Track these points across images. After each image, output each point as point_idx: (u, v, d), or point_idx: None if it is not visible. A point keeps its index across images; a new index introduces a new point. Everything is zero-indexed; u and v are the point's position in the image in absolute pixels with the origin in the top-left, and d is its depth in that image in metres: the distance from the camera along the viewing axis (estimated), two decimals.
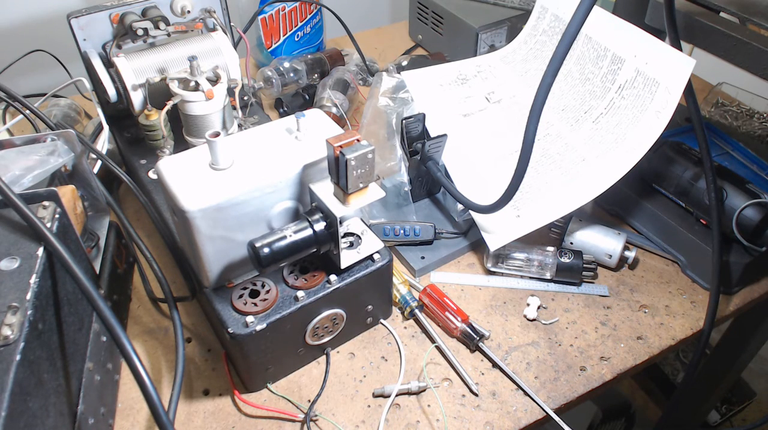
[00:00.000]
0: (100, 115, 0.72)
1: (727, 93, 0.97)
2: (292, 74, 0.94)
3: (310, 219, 0.52)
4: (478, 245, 0.73)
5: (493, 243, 0.67)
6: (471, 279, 0.70)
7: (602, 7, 0.74)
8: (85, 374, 0.50)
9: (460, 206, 0.73)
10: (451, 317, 0.63)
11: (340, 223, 0.52)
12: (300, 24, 1.04)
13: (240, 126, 0.72)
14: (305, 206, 0.55)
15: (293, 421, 0.56)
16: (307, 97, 0.93)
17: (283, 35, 1.04)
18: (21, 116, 0.69)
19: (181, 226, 0.51)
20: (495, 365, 0.61)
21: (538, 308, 0.66)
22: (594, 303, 0.67)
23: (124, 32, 0.70)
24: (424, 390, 0.59)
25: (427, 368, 0.60)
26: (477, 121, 0.79)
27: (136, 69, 0.67)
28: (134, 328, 0.65)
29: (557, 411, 0.57)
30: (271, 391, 0.58)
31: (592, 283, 0.70)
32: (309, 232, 0.52)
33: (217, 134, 0.49)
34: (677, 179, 0.70)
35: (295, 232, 0.51)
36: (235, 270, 0.56)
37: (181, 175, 0.51)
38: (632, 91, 0.69)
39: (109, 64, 0.69)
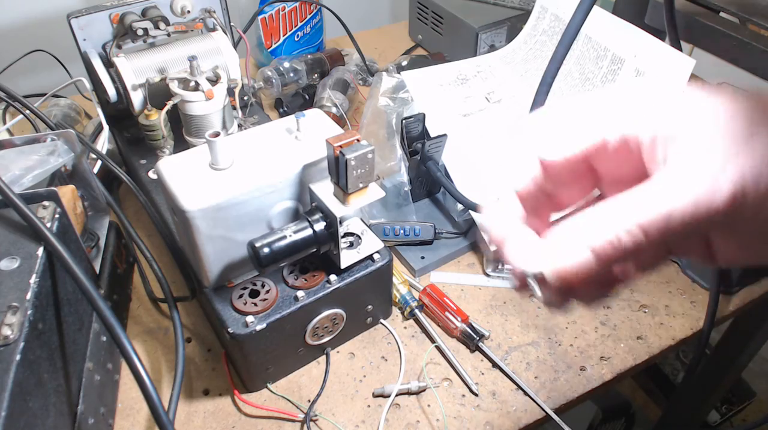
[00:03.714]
0: (100, 115, 0.72)
1: None
2: (292, 74, 0.94)
3: (310, 219, 0.52)
4: (478, 245, 0.73)
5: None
6: (471, 279, 0.70)
7: (602, 7, 0.74)
8: (85, 374, 0.50)
9: (460, 206, 0.73)
10: (451, 317, 0.63)
11: (340, 223, 0.52)
12: (300, 24, 1.04)
13: (240, 126, 0.72)
14: (305, 206, 0.55)
15: (293, 421, 0.56)
16: (307, 97, 0.93)
17: (283, 35, 1.04)
18: (21, 116, 0.69)
19: (181, 226, 0.51)
20: (495, 365, 0.61)
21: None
22: None
23: (124, 32, 0.70)
24: (424, 390, 0.59)
25: (427, 368, 0.60)
26: (477, 121, 0.79)
27: (136, 69, 0.67)
28: (134, 328, 0.65)
29: (557, 411, 0.57)
30: (271, 391, 0.58)
31: None
32: (309, 232, 0.52)
33: (217, 134, 0.49)
34: None
35: (295, 232, 0.51)
36: (235, 270, 0.56)
37: (181, 175, 0.51)
38: None
39: (109, 64, 0.69)
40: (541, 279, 0.26)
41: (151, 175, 0.69)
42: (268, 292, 0.55)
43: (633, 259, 0.25)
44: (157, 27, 0.70)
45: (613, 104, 0.27)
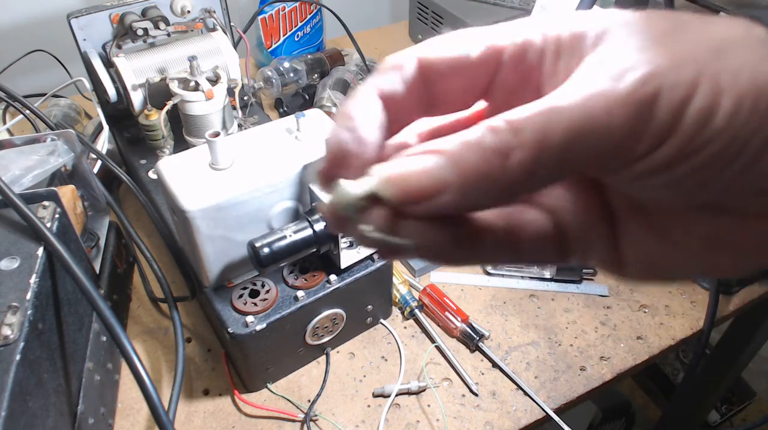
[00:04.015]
0: (100, 115, 0.72)
1: None
2: (292, 74, 0.95)
3: (310, 219, 0.52)
4: None
5: None
6: (471, 279, 0.70)
7: (602, 7, 0.74)
8: (85, 374, 0.50)
9: None
10: (451, 317, 0.63)
11: None
12: (300, 24, 1.04)
13: (240, 126, 0.72)
14: (305, 206, 0.55)
15: (293, 421, 0.56)
16: (307, 97, 0.93)
17: (283, 35, 1.04)
18: (21, 116, 0.69)
19: (181, 226, 0.51)
20: (495, 365, 0.61)
21: None
22: (594, 303, 0.67)
23: (124, 32, 0.70)
24: (424, 390, 0.59)
25: (427, 368, 0.60)
26: None
27: (136, 69, 0.67)
28: (134, 328, 0.65)
29: (557, 411, 0.57)
30: (271, 391, 0.58)
31: (592, 280, 0.70)
32: (309, 232, 0.52)
33: (217, 134, 0.49)
34: None
35: (295, 232, 0.51)
36: (235, 270, 0.56)
37: (181, 175, 0.51)
38: None
39: (109, 64, 0.69)
40: (372, 200, 0.18)
41: (151, 175, 0.69)
42: (268, 292, 0.55)
43: (500, 179, 0.16)
44: (157, 27, 0.70)
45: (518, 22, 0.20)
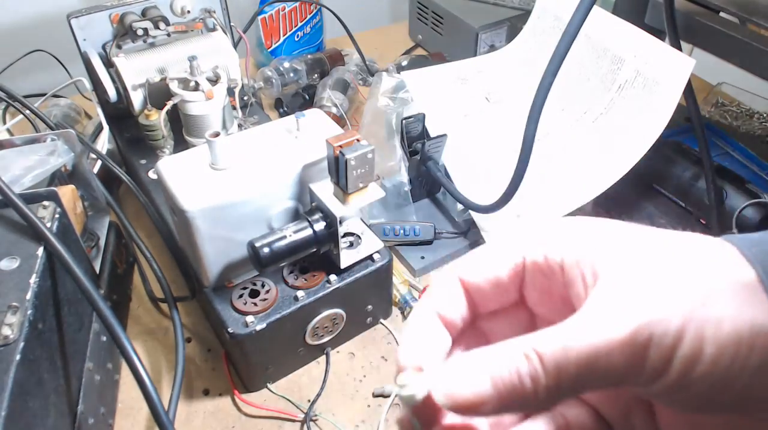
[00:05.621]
0: (100, 115, 0.72)
1: (727, 93, 0.97)
2: (292, 74, 0.95)
3: (310, 219, 0.52)
4: (478, 245, 0.73)
5: None
6: None
7: (602, 7, 0.74)
8: (85, 374, 0.50)
9: (460, 206, 0.73)
10: None
11: (340, 223, 0.52)
12: (300, 24, 1.04)
13: (240, 126, 0.72)
14: (305, 206, 0.55)
15: (293, 421, 0.56)
16: (307, 97, 0.93)
17: (283, 35, 1.04)
18: (21, 116, 0.69)
19: (181, 226, 0.51)
20: None
21: None
22: None
23: (124, 32, 0.70)
24: None
25: None
26: (477, 121, 0.79)
27: (136, 69, 0.67)
28: (134, 328, 0.65)
29: None
30: (271, 391, 0.58)
31: None
32: (309, 232, 0.52)
33: (217, 134, 0.49)
34: (677, 179, 0.70)
35: (295, 232, 0.51)
36: (235, 270, 0.56)
37: (181, 175, 0.51)
38: (632, 92, 0.69)
39: (109, 64, 0.69)
40: (418, 408, 0.23)
41: (151, 175, 0.69)
42: (268, 292, 0.55)
43: (532, 397, 0.20)
44: (157, 27, 0.70)
45: (540, 229, 0.24)
